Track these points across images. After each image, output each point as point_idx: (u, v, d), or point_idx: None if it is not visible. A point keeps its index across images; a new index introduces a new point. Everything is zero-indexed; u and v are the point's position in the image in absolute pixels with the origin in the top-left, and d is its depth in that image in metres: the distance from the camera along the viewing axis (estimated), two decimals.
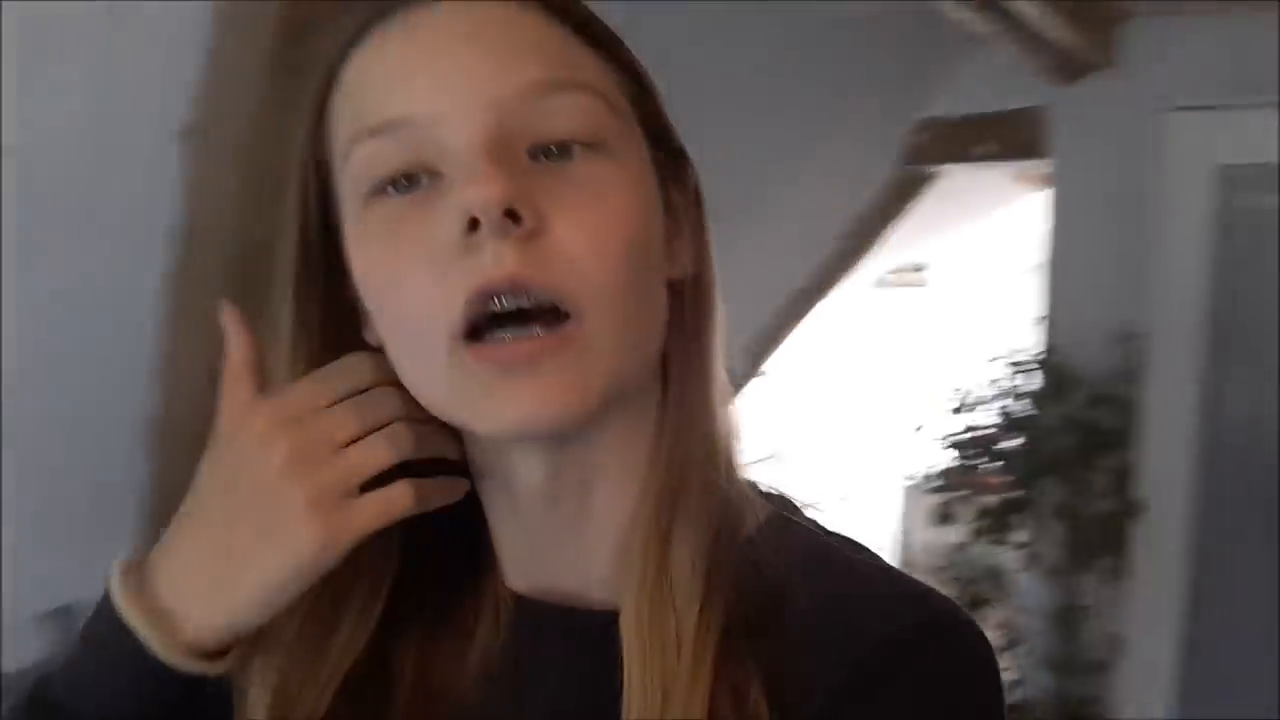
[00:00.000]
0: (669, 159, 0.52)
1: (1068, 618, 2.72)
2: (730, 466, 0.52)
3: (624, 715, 0.45)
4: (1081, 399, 2.67)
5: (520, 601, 0.53)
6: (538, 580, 0.53)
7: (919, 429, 3.05)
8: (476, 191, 0.42)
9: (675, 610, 0.46)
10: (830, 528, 0.54)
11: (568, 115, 0.44)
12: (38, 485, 1.65)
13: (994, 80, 3.01)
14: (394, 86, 0.44)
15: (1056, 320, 2.90)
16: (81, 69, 1.24)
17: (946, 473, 2.93)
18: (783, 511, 0.53)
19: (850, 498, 6.72)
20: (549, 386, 0.44)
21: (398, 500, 0.48)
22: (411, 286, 0.45)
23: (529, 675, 0.52)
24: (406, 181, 0.45)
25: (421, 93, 0.44)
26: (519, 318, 0.44)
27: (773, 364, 3.60)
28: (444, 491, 0.52)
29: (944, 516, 2.85)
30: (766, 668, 0.45)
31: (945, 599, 0.48)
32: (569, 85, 0.45)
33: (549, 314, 0.44)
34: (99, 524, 1.73)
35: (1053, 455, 2.66)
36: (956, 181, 3.40)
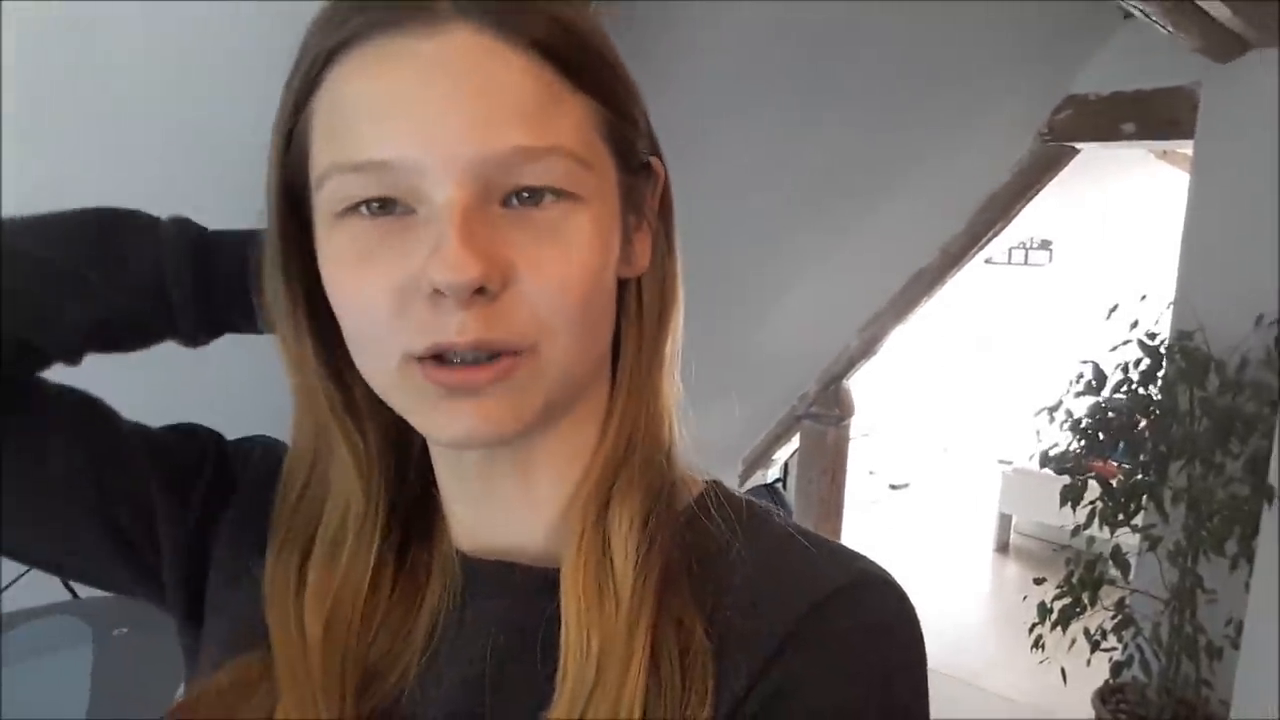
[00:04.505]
0: (637, 171, 0.52)
1: (1186, 601, 2.72)
2: (672, 443, 0.54)
3: (560, 668, 0.47)
4: (1217, 383, 2.65)
5: (465, 560, 0.55)
6: (483, 541, 0.55)
7: (1042, 409, 3.04)
8: (447, 277, 0.43)
9: (613, 568, 0.48)
10: (761, 500, 0.56)
11: (541, 175, 0.45)
12: None
13: (1141, 57, 2.96)
14: (374, 125, 0.44)
15: (1192, 302, 2.85)
16: None
17: (1067, 455, 2.92)
18: (718, 487, 0.55)
19: (959, 475, 6.72)
20: (491, 408, 0.46)
21: None
22: (376, 311, 0.46)
23: (472, 628, 0.53)
24: (379, 204, 0.45)
25: (402, 139, 0.43)
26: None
27: (895, 340, 3.61)
28: None
29: (1064, 498, 2.84)
30: (711, 615, 0.48)
31: (871, 560, 0.50)
32: (549, 151, 0.45)
33: (504, 351, 0.46)
34: None
35: (1184, 439, 2.64)
36: (1095, 158, 3.35)
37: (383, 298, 0.45)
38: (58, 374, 0.60)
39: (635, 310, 0.54)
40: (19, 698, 1.91)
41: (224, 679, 0.54)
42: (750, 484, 3.97)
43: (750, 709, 0.46)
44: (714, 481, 0.56)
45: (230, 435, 0.65)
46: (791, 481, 4.15)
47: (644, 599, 0.47)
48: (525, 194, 0.45)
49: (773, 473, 4.29)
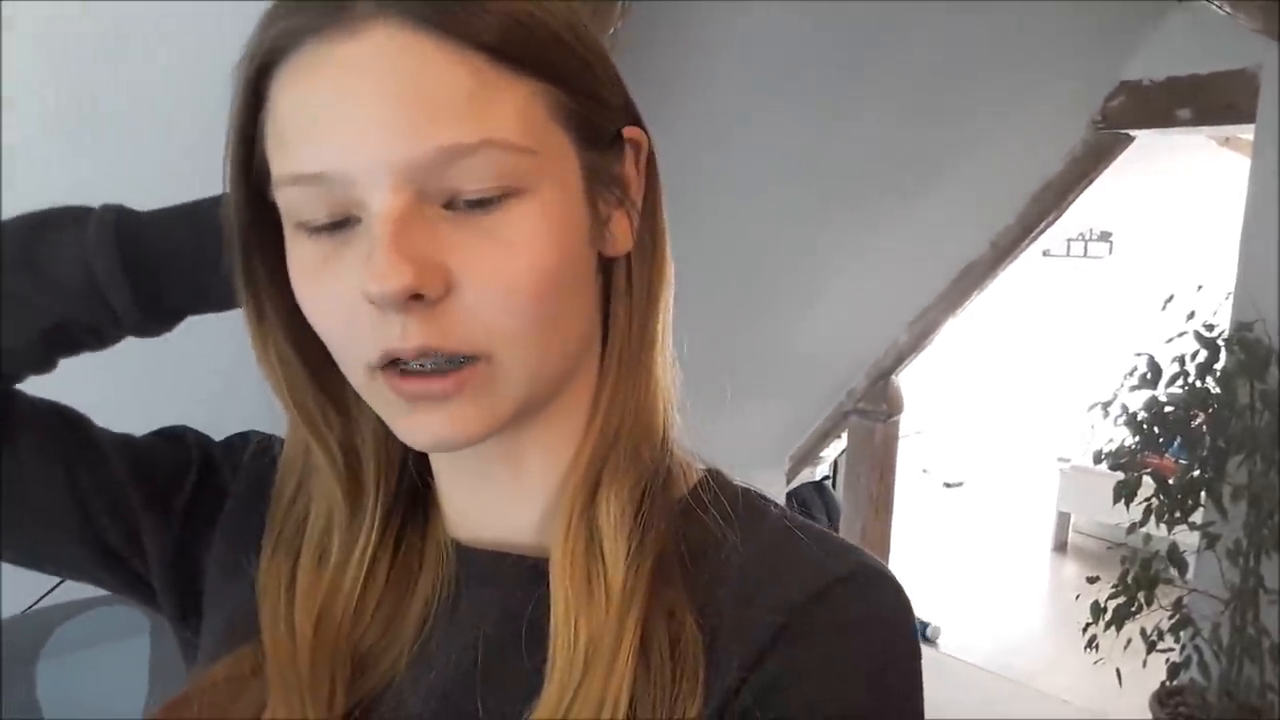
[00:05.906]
0: (606, 148, 0.50)
1: (1248, 602, 2.63)
2: (666, 430, 0.53)
3: (549, 657, 0.47)
4: (1278, 376, 2.55)
5: (459, 548, 0.55)
6: (478, 531, 0.55)
7: (1096, 404, 2.97)
8: (375, 286, 0.42)
9: (603, 558, 0.48)
10: (761, 491, 0.55)
11: (479, 174, 0.43)
12: None
13: (1198, 40, 2.87)
14: (304, 138, 0.44)
15: (1252, 292, 2.76)
16: None
17: (1122, 450, 2.85)
18: (715, 476, 0.55)
19: (1016, 473, 6.60)
20: (457, 415, 0.46)
21: None
22: (334, 324, 0.46)
23: (465, 617, 0.53)
24: (327, 229, 0.45)
25: (329, 151, 0.43)
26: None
27: (948, 335, 3.55)
28: None
29: (1117, 494, 2.77)
30: (703, 607, 0.47)
31: (867, 553, 0.50)
32: (480, 146, 0.43)
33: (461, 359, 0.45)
34: None
35: (1244, 434, 2.56)
36: (1154, 145, 3.26)
37: (337, 312, 0.45)
38: (60, 375, 0.60)
39: (625, 288, 0.53)
40: (79, 687, 1.98)
41: (219, 673, 0.54)
42: (797, 481, 3.94)
43: (744, 701, 0.45)
44: (712, 470, 0.55)
45: (238, 427, 0.65)
46: (840, 479, 4.11)
47: (635, 589, 0.47)
48: (468, 202, 0.44)
49: (821, 470, 4.25)
